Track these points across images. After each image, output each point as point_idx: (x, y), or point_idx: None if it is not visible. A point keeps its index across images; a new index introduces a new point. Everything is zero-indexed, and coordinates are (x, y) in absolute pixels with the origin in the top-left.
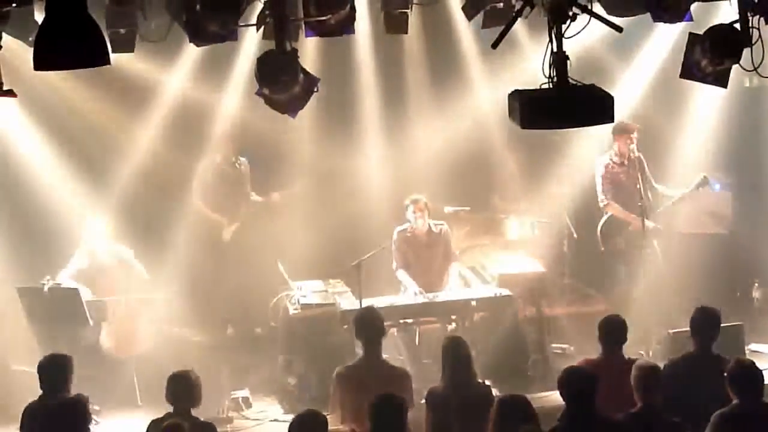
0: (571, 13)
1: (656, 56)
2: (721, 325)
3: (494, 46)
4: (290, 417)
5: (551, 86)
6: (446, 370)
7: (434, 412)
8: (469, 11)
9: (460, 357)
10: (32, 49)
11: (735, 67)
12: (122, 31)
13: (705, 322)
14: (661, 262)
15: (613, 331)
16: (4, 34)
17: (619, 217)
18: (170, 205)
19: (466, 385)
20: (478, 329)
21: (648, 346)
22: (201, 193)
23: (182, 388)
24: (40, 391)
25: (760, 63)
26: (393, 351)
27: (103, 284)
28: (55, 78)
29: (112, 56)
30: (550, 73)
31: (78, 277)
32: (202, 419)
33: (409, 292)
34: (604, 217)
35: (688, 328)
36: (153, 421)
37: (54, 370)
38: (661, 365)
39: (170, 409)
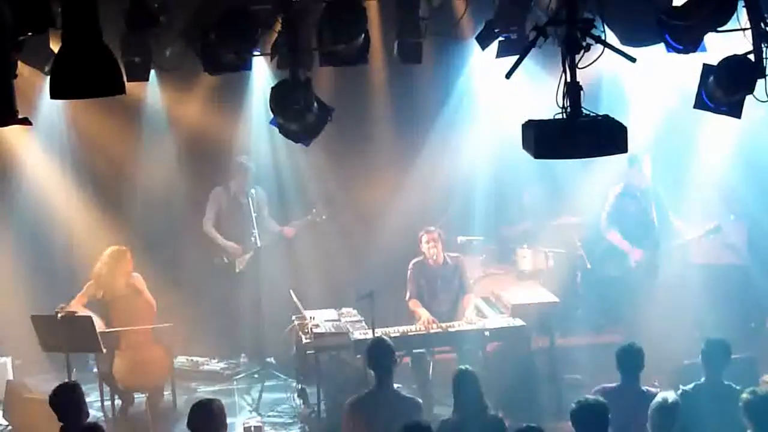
0: (584, 44)
1: (670, 86)
2: (736, 356)
3: (508, 76)
4: None
5: (565, 116)
6: (458, 402)
7: None
8: (483, 41)
9: (471, 389)
10: (48, 77)
11: (748, 97)
12: (137, 59)
13: (715, 352)
14: (664, 293)
15: (631, 359)
16: (20, 63)
17: (617, 246)
18: (184, 233)
19: (478, 416)
20: (491, 359)
21: (662, 376)
22: (215, 220)
23: (203, 417)
24: (54, 419)
25: None
26: (406, 381)
27: (117, 313)
28: (68, 105)
29: (127, 84)
30: (563, 104)
31: (90, 306)
32: None
33: (422, 322)
34: (603, 244)
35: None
36: None
37: (66, 400)
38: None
39: None
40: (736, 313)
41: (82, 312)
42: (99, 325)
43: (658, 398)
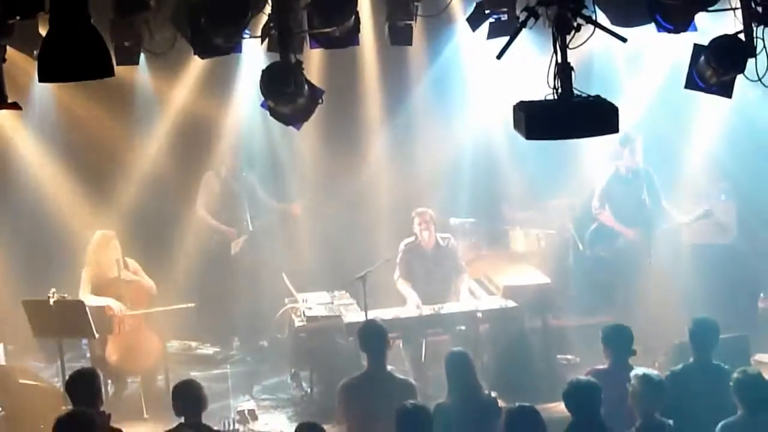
0: (575, 24)
1: (661, 66)
2: (727, 335)
3: (499, 56)
4: None
5: (556, 97)
6: (452, 384)
7: (443, 427)
8: (474, 22)
9: (465, 371)
10: (36, 62)
11: (739, 77)
12: (127, 43)
13: (702, 331)
14: (656, 274)
15: (620, 339)
16: (9, 48)
17: (609, 227)
18: (176, 218)
19: (472, 398)
20: (483, 341)
21: (654, 357)
22: (207, 205)
23: (189, 396)
24: (48, 403)
25: (765, 73)
26: (398, 363)
27: (110, 297)
28: (59, 90)
29: (117, 68)
30: (554, 84)
31: (95, 292)
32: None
33: (409, 304)
34: (594, 225)
35: None
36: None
37: (85, 385)
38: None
39: (181, 419)
40: (727, 292)
41: (97, 302)
42: (117, 306)
43: (641, 371)
